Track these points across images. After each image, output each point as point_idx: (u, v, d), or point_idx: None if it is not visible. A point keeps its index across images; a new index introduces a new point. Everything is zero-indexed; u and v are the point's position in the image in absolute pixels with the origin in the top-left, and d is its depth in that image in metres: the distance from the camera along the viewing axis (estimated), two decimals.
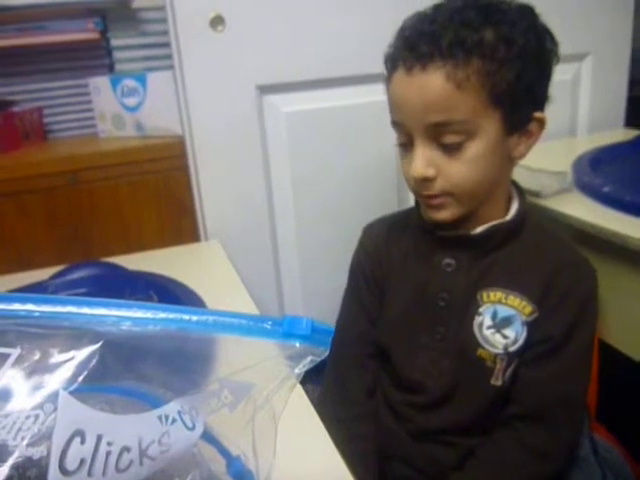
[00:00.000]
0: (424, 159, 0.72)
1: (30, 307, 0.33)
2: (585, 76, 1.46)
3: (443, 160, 0.72)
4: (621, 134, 1.41)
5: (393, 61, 0.74)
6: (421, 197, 0.77)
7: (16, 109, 1.31)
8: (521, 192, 0.81)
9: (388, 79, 0.76)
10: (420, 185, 0.74)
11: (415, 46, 0.69)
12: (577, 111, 1.48)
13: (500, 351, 0.75)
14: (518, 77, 0.69)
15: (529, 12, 0.72)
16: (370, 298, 0.88)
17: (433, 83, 0.68)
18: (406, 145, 0.75)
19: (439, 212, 0.76)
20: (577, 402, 0.79)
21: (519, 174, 1.07)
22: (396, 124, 0.76)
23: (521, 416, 0.76)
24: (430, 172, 0.72)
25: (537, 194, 1.04)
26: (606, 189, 1.01)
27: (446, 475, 0.79)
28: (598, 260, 0.95)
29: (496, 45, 0.68)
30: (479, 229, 0.77)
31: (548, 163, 1.14)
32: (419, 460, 0.81)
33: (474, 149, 0.71)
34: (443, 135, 0.70)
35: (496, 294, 0.76)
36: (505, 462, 0.76)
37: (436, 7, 0.73)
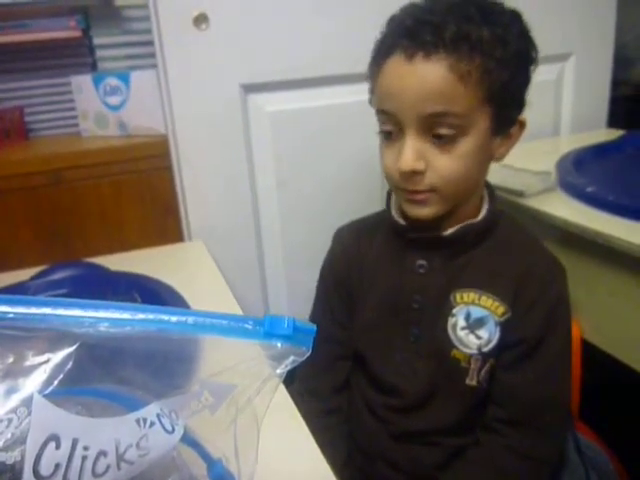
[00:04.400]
0: (414, 151, 0.70)
1: (4, 308, 0.32)
2: (568, 76, 1.47)
3: (433, 154, 0.71)
4: (604, 134, 1.42)
5: (388, 48, 0.71)
6: (405, 192, 0.75)
7: None
8: (492, 192, 0.81)
9: (378, 66, 0.73)
10: (407, 179, 0.72)
11: (418, 34, 0.68)
12: (560, 111, 1.49)
13: (474, 351, 0.75)
14: (511, 78, 0.70)
15: (519, 17, 0.73)
16: (339, 303, 0.88)
17: (436, 72, 0.67)
18: (391, 134, 0.73)
19: (422, 208, 0.74)
20: (561, 403, 0.79)
21: (502, 173, 1.07)
22: (385, 113, 0.73)
23: (507, 421, 0.76)
24: (420, 165, 0.70)
25: (521, 194, 1.05)
26: (589, 189, 1.01)
27: (430, 476, 0.79)
28: (580, 259, 0.96)
29: (494, 44, 0.68)
30: (450, 230, 0.77)
31: (532, 163, 1.15)
32: (402, 461, 0.81)
33: (465, 145, 0.70)
34: (437, 127, 0.69)
35: (469, 295, 0.76)
36: (500, 470, 0.76)
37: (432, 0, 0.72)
